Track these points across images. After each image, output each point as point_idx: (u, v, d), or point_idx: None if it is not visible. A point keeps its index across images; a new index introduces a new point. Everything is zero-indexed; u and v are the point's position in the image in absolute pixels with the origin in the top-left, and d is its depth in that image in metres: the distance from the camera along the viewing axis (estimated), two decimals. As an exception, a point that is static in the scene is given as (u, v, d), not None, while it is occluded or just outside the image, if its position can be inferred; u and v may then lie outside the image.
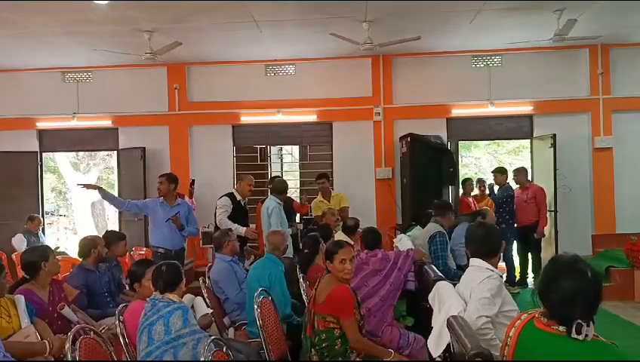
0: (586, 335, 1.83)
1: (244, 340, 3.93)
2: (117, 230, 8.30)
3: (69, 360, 2.54)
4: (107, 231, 5.10)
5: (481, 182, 8.44)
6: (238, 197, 6.02)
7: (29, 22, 6.32)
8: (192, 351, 2.78)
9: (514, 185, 7.43)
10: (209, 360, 2.43)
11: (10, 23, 6.27)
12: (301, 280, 4.67)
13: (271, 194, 6.15)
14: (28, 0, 5.45)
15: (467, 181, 8.00)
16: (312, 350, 3.25)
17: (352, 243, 5.59)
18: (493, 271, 2.81)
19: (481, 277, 2.76)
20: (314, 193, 7.47)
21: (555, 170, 7.58)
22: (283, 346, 3.60)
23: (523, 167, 7.61)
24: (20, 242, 7.27)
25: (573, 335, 1.83)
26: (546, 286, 1.96)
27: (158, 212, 5.61)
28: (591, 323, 1.85)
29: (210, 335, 2.82)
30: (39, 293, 3.60)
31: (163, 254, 5.43)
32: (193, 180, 6.60)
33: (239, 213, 5.96)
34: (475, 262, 2.90)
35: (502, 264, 6.67)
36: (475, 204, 7.80)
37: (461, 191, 8.11)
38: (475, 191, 8.22)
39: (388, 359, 3.26)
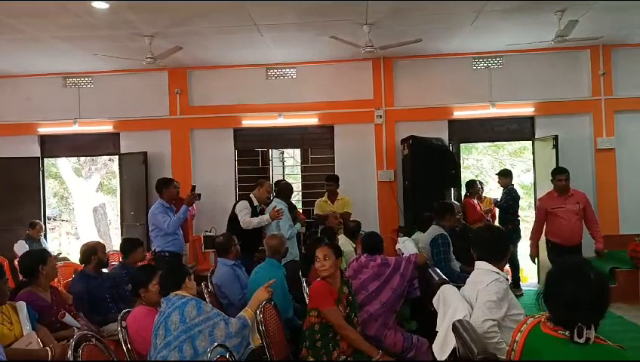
0: (588, 339, 1.81)
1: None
2: (118, 234, 8.33)
3: (72, 367, 2.53)
4: (124, 239, 5.12)
5: (480, 184, 8.44)
6: (255, 203, 6.06)
7: (29, 27, 6.31)
8: (208, 338, 2.85)
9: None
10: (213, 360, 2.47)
11: (10, 28, 6.27)
12: (304, 284, 4.66)
13: (276, 197, 6.16)
14: (28, 0, 5.43)
15: (472, 183, 7.98)
16: (303, 349, 3.41)
17: (354, 245, 5.60)
18: (499, 273, 2.79)
19: (487, 281, 2.74)
20: (315, 195, 7.46)
21: (557, 171, 7.54)
22: (285, 350, 3.61)
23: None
24: (21, 248, 7.25)
25: (575, 338, 1.82)
26: (550, 291, 1.95)
27: (171, 216, 5.65)
28: (592, 326, 1.83)
29: (224, 319, 3.00)
30: (42, 295, 3.65)
31: (170, 258, 5.42)
32: (194, 186, 6.61)
33: None
34: (481, 265, 2.88)
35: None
36: (480, 206, 7.78)
37: (464, 192, 8.09)
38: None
39: (375, 358, 3.30)
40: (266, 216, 5.79)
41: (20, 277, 5.61)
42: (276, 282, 4.14)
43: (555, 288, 1.93)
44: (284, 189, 6.25)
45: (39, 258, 3.77)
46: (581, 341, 1.81)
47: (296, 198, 8.56)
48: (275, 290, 4.07)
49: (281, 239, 4.61)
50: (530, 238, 6.05)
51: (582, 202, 5.72)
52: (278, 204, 5.92)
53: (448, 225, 5.34)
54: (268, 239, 4.67)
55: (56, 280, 4.55)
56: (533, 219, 8.25)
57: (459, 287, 3.09)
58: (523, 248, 7.86)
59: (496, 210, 7.84)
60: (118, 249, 8.23)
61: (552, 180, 5.86)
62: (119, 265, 5.05)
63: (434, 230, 5.20)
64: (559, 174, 5.77)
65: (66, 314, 3.59)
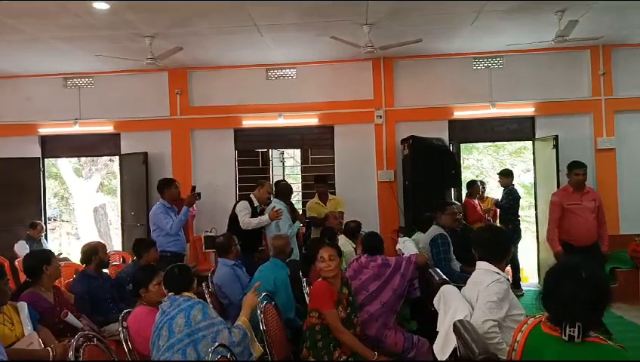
0: (572, 336, 1.82)
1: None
2: (118, 234, 8.33)
3: (73, 367, 2.53)
4: (137, 240, 5.12)
5: (482, 184, 8.46)
6: (255, 203, 6.07)
7: (29, 27, 6.31)
8: (211, 344, 2.84)
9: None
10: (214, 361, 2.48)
11: (10, 28, 6.27)
12: (304, 284, 4.67)
13: (275, 198, 6.16)
14: (28, 0, 5.43)
15: (473, 183, 8.00)
16: (304, 349, 3.42)
17: (355, 246, 5.60)
18: (500, 274, 2.80)
19: (488, 281, 2.74)
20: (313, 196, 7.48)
21: (557, 171, 7.55)
22: (286, 350, 3.62)
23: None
24: (22, 248, 7.25)
25: (562, 336, 1.83)
26: (547, 291, 1.96)
27: (173, 216, 5.67)
28: (576, 324, 1.82)
29: (227, 327, 3.00)
30: (45, 296, 3.65)
31: (171, 258, 5.43)
32: (194, 187, 6.65)
33: None
34: (482, 265, 2.88)
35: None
36: (480, 206, 7.78)
37: (465, 193, 8.09)
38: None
39: (372, 360, 3.32)
40: (265, 217, 5.79)
41: (21, 278, 5.65)
42: (280, 282, 4.17)
43: (552, 289, 1.93)
44: (283, 190, 6.27)
45: (43, 258, 3.77)
46: (565, 338, 1.82)
47: (296, 198, 8.57)
48: (279, 291, 4.10)
49: (286, 239, 4.65)
50: (548, 238, 5.53)
51: (597, 200, 5.46)
52: (277, 204, 5.93)
53: (448, 225, 5.34)
54: (273, 239, 4.69)
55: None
56: (534, 220, 8.35)
57: (459, 287, 3.10)
58: (524, 248, 7.89)
59: (497, 210, 7.85)
60: (121, 249, 8.33)
61: (567, 174, 5.60)
62: (132, 264, 5.06)
63: (434, 230, 5.20)
64: (577, 168, 5.43)
65: (68, 313, 3.59)
